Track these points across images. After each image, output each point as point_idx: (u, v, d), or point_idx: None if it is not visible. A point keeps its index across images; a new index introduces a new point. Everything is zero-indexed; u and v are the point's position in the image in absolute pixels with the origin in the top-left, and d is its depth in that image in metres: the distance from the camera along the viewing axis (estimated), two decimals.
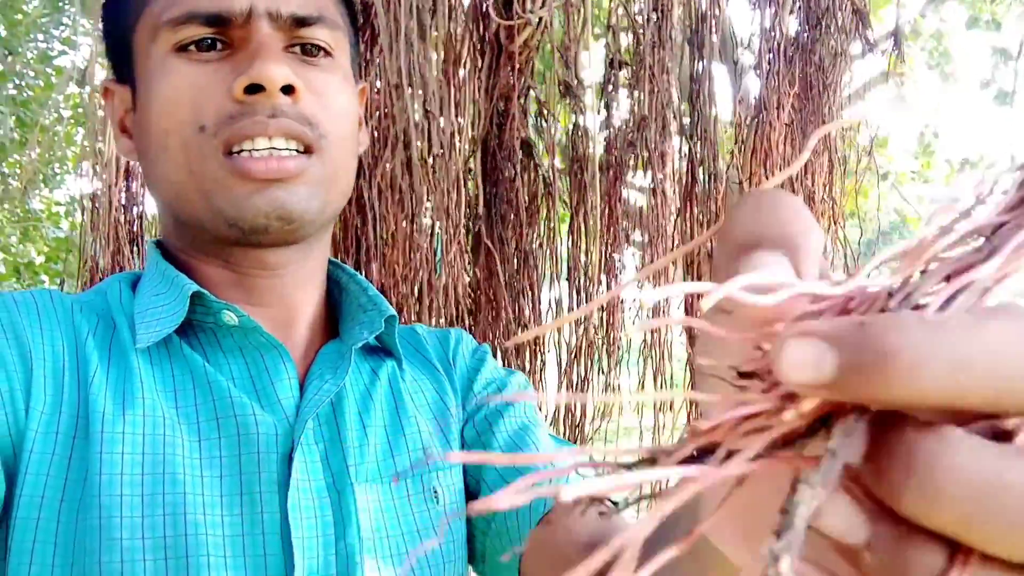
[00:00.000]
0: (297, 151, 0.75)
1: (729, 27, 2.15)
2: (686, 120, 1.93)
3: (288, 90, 0.74)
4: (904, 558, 0.24)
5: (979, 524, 0.22)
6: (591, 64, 1.77)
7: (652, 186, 2.02)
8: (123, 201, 2.37)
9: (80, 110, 6.07)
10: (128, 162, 2.39)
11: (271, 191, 0.74)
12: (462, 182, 1.87)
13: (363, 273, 1.92)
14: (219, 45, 0.76)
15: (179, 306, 0.75)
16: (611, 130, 1.94)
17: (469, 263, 1.99)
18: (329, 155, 0.77)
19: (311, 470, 0.74)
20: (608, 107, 1.88)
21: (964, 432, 0.23)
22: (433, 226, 1.92)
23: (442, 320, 1.91)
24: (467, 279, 1.95)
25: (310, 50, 0.79)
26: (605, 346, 1.93)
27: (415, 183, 1.81)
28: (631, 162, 2.00)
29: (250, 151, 0.73)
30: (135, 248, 2.40)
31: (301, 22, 0.78)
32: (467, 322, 2.01)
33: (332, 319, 0.89)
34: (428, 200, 1.91)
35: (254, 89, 0.73)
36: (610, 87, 1.88)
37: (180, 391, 0.74)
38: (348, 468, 0.76)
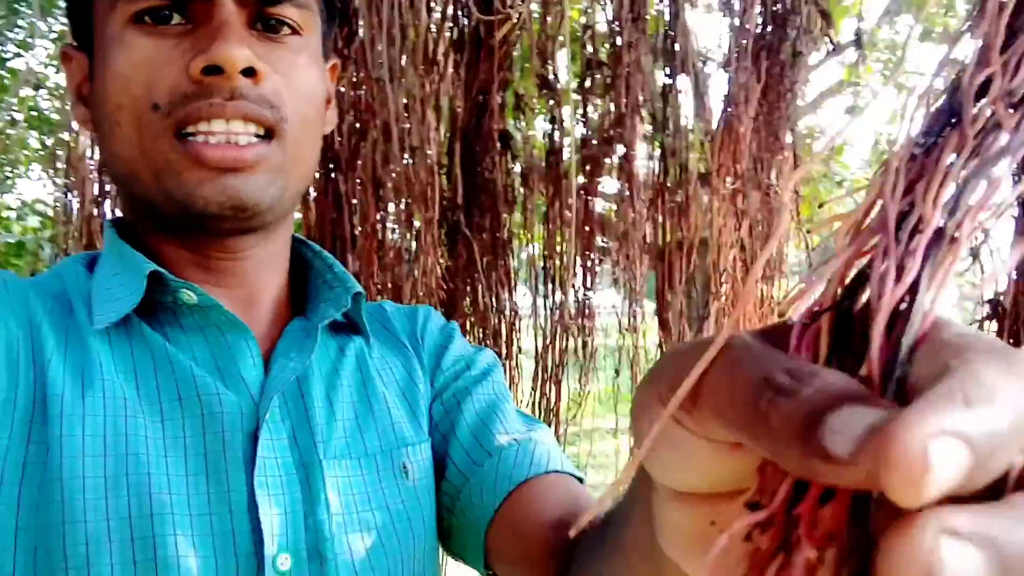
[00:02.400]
0: (257, 135, 0.73)
1: (690, 33, 2.22)
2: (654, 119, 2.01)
3: (249, 72, 0.71)
4: None
5: None
6: (568, 62, 1.83)
7: (623, 183, 2.09)
8: (96, 195, 2.37)
9: (34, 113, 5.98)
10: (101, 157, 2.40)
11: (224, 179, 0.71)
12: (437, 175, 1.91)
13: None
14: (177, 18, 0.73)
15: (136, 285, 0.73)
16: (587, 129, 2.00)
17: (442, 256, 2.03)
18: (291, 139, 0.75)
19: (278, 447, 0.73)
20: (585, 106, 1.94)
21: (992, 506, 0.22)
22: (410, 218, 1.96)
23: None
24: (440, 271, 1.99)
25: (275, 26, 0.76)
26: (580, 339, 1.98)
27: (394, 176, 1.84)
28: (605, 160, 2.06)
29: (206, 133, 0.71)
30: None
31: (267, 0, 0.74)
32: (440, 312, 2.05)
33: (297, 298, 0.87)
34: (404, 194, 1.94)
35: (212, 70, 0.70)
36: (586, 86, 1.94)
37: (140, 372, 0.73)
38: (316, 445, 0.75)
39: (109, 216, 2.40)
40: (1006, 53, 0.30)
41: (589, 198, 2.05)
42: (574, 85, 1.88)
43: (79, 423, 0.67)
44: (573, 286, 1.99)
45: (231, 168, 0.71)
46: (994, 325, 1.93)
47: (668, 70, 1.93)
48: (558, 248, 1.93)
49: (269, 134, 0.73)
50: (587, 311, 2.04)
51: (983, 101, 0.29)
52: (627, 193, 2.05)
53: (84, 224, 2.30)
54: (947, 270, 0.26)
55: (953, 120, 0.30)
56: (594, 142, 2.01)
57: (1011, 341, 2.06)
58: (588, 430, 2.70)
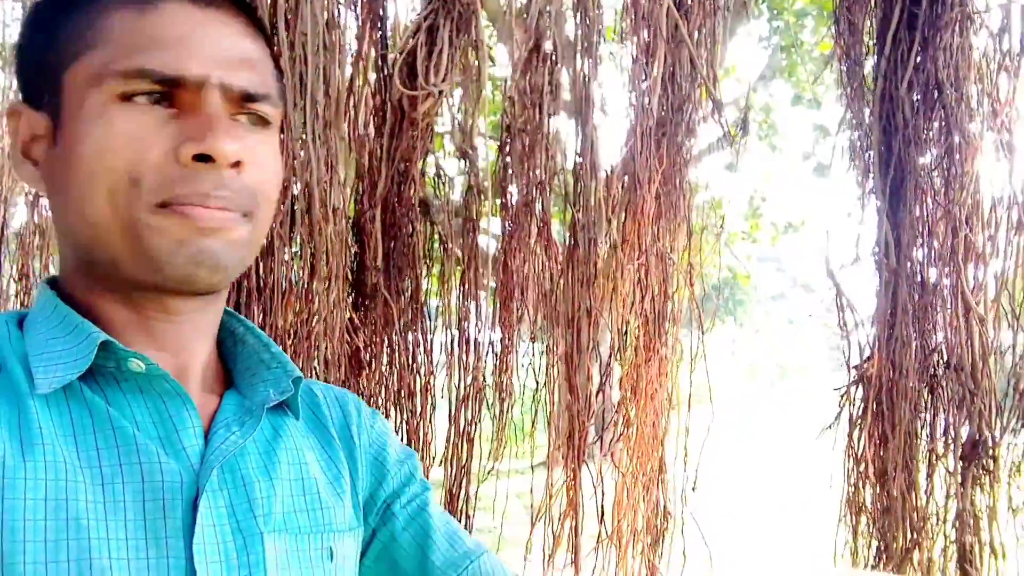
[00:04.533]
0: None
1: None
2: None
3: (235, 163, 0.76)
4: None
5: None
6: (486, 131, 1.94)
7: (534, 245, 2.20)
8: None
9: None
10: None
11: (203, 240, 0.75)
12: (348, 230, 1.97)
13: (244, 312, 1.97)
14: (165, 103, 0.76)
15: (84, 352, 0.74)
16: (507, 195, 2.11)
17: (347, 308, 2.07)
18: (259, 220, 0.80)
19: (216, 516, 0.75)
20: (505, 171, 2.05)
21: None
22: (316, 272, 1.99)
23: (320, 360, 1.98)
24: (345, 325, 2.04)
25: (253, 119, 0.81)
26: (497, 392, 2.06)
27: (311, 233, 1.89)
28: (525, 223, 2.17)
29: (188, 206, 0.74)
30: None
31: (250, 98, 0.79)
32: (344, 364, 2.09)
33: (222, 368, 0.89)
34: (317, 249, 1.99)
35: (203, 158, 0.74)
36: (506, 153, 2.05)
37: (80, 435, 0.73)
38: (256, 517, 0.78)
39: None
40: None
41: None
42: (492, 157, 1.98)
43: (21, 486, 0.68)
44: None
45: (212, 229, 0.75)
46: (860, 392, 2.13)
47: (579, 148, 2.07)
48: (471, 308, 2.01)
49: (244, 215, 0.78)
50: (477, 350, 2.10)
51: None
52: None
53: None
54: None
55: None
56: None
57: (876, 406, 2.27)
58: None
